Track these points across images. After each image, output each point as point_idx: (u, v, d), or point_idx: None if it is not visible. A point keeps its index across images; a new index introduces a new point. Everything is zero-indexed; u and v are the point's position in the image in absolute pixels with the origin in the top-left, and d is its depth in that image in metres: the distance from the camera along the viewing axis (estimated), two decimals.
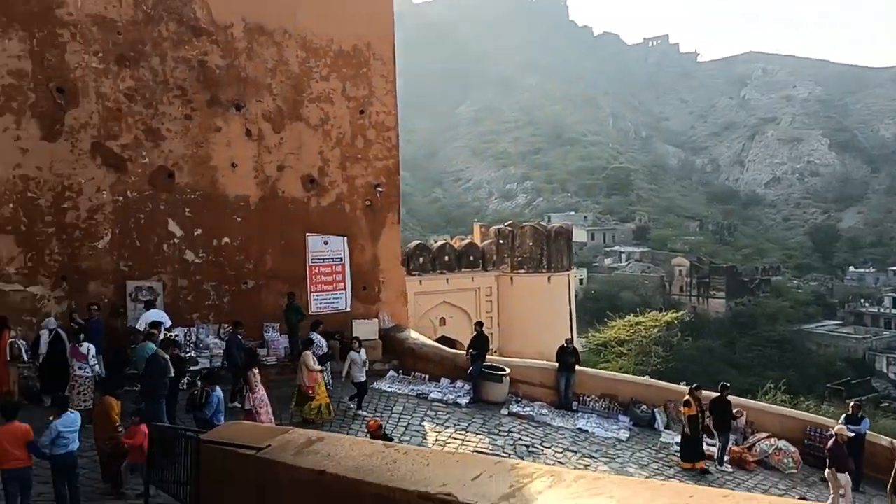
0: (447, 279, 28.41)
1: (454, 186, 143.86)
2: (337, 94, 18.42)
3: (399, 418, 14.98)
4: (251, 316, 16.51)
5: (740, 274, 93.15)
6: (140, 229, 16.12)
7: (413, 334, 19.07)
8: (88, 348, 12.41)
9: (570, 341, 17.95)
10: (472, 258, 29.19)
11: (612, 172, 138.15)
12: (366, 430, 12.32)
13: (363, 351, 15.37)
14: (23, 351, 13.08)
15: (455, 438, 14.29)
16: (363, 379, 14.94)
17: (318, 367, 14.13)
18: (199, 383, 11.37)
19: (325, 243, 18.33)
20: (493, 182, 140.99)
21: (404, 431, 14.26)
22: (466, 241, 30.67)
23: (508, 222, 33.31)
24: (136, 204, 16.08)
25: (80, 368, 12.22)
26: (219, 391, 11.07)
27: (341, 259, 18.56)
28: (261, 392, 12.38)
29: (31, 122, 15.01)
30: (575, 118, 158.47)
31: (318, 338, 15.35)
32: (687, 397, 14.46)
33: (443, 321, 28.03)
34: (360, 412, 14.74)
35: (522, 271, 29.67)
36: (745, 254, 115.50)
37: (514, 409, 16.29)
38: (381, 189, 18.98)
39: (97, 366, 12.51)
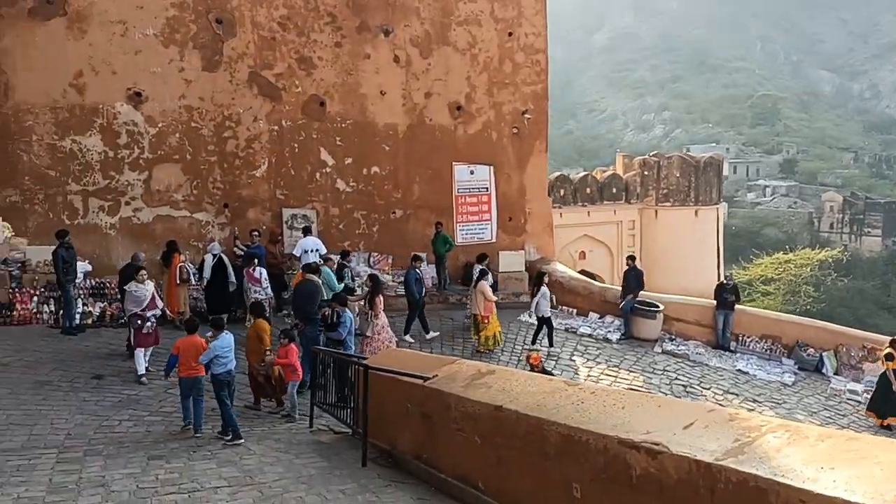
0: (588, 212, 27.50)
1: (588, 118, 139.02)
2: (485, 16, 17.74)
3: (548, 352, 14.67)
4: (399, 245, 16.61)
5: None
6: (294, 158, 16.40)
7: (560, 267, 18.57)
8: (261, 272, 12.97)
9: (729, 278, 16.90)
10: (614, 190, 28.04)
11: (758, 101, 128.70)
12: (523, 363, 12.13)
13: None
14: (191, 274, 13.73)
15: (608, 375, 13.86)
16: (549, 314, 14.79)
17: (495, 298, 14.06)
18: (330, 304, 11.44)
19: (472, 172, 18.00)
20: (628, 113, 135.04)
21: (554, 365, 13.93)
22: (609, 173, 29.39)
23: (654, 152, 31.63)
24: (290, 133, 16.32)
25: (254, 292, 12.80)
26: (349, 312, 11.13)
27: (487, 189, 18.20)
28: (383, 318, 12.42)
29: (192, 53, 15.40)
30: (718, 42, 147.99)
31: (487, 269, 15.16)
32: (889, 350, 13.23)
33: (582, 255, 27.28)
34: (550, 349, 14.57)
35: (668, 204, 28.21)
36: None
37: (668, 347, 15.61)
38: (528, 115, 18.32)
39: (269, 288, 13.00)
